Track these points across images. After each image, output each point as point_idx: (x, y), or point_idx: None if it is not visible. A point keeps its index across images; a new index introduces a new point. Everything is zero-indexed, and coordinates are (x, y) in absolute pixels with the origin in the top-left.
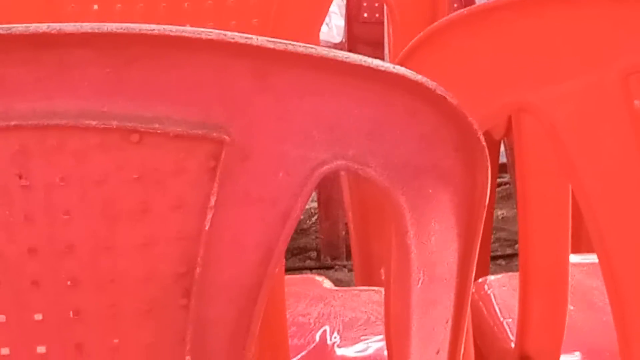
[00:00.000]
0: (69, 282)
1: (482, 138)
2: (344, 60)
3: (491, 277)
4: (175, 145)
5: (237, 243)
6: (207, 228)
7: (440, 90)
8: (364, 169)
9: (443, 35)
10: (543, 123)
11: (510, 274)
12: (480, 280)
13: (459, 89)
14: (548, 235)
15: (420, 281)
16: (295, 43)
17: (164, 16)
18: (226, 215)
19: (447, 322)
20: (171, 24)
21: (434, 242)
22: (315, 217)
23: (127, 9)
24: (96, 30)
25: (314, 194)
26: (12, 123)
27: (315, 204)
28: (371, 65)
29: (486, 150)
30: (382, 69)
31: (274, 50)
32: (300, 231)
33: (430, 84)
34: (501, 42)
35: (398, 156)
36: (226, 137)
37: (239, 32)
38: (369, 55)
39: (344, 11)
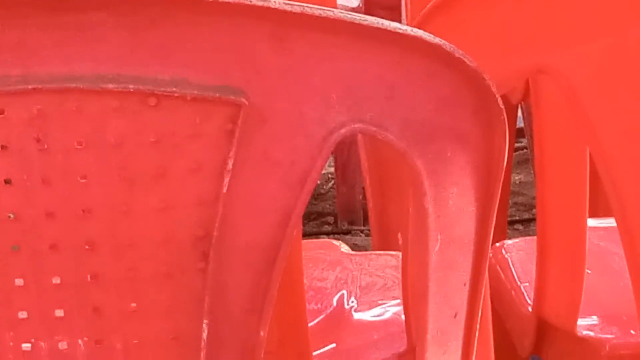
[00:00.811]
0: (86, 246)
1: (500, 101)
2: (362, 23)
3: (508, 242)
4: (193, 108)
5: (255, 206)
6: (224, 191)
7: (458, 53)
8: (382, 131)
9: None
10: (561, 85)
11: (527, 238)
12: (497, 244)
13: (476, 52)
14: (565, 198)
15: (438, 244)
16: (312, 6)
17: None
18: (244, 179)
19: (464, 286)
20: None
21: (451, 205)
22: (332, 182)
23: None
24: None
25: (330, 158)
26: (30, 87)
27: (332, 169)
28: (389, 28)
29: (504, 113)
30: (400, 31)
31: (291, 13)
32: (317, 196)
33: (448, 46)
34: (520, 4)
35: (416, 119)
36: (244, 100)
37: None
38: (386, 19)
39: None
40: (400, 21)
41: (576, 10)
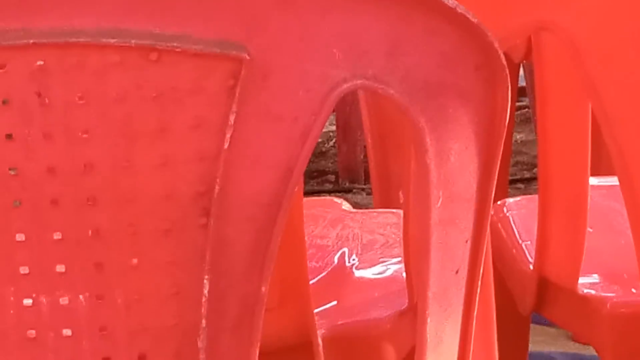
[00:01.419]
0: (88, 202)
1: (502, 56)
2: None
3: (510, 200)
4: (194, 63)
5: (257, 162)
6: (226, 147)
7: (460, 9)
8: (384, 87)
9: None
10: (563, 41)
11: (529, 196)
12: (499, 202)
13: (478, 8)
14: (567, 157)
15: (440, 201)
16: None
17: None
18: (245, 134)
19: (466, 242)
20: None
21: (453, 161)
22: (334, 140)
23: None
24: None
25: (332, 117)
26: (31, 41)
27: (333, 127)
28: None
29: (507, 69)
30: None
31: None
32: (319, 154)
33: (450, 2)
34: None
35: (418, 75)
36: (245, 55)
37: None
38: None
39: None
40: None
41: None
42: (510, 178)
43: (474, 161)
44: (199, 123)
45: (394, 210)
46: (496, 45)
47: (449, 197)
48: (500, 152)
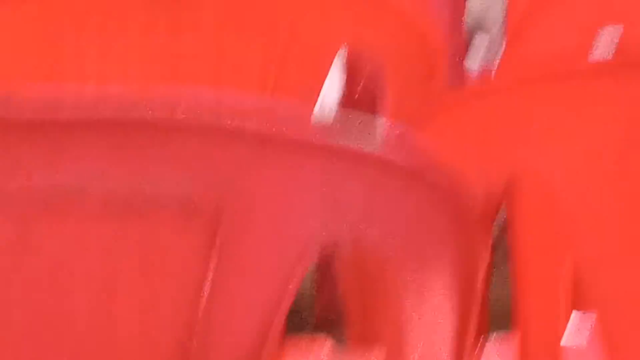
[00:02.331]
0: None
1: (479, 212)
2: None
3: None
4: (172, 221)
5: (236, 317)
6: (204, 301)
7: (434, 170)
8: (359, 246)
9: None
10: (541, 190)
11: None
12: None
13: (456, 159)
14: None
15: (417, 354)
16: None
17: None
18: (224, 289)
19: None
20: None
21: (429, 315)
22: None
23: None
24: (94, 115)
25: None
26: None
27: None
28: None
29: (481, 225)
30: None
31: (267, 135)
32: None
33: (425, 158)
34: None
35: (393, 233)
36: (222, 216)
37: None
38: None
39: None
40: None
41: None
42: None
43: (450, 314)
44: (178, 277)
45: None
46: (472, 202)
47: (427, 348)
48: (477, 305)
